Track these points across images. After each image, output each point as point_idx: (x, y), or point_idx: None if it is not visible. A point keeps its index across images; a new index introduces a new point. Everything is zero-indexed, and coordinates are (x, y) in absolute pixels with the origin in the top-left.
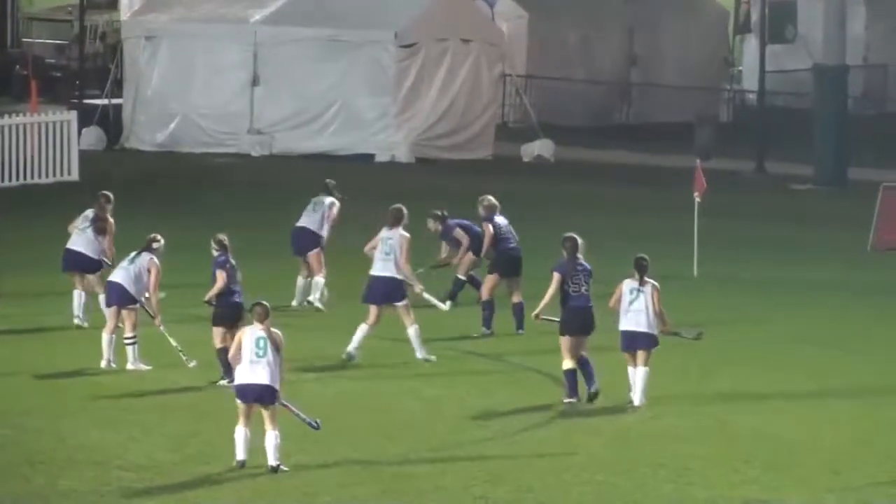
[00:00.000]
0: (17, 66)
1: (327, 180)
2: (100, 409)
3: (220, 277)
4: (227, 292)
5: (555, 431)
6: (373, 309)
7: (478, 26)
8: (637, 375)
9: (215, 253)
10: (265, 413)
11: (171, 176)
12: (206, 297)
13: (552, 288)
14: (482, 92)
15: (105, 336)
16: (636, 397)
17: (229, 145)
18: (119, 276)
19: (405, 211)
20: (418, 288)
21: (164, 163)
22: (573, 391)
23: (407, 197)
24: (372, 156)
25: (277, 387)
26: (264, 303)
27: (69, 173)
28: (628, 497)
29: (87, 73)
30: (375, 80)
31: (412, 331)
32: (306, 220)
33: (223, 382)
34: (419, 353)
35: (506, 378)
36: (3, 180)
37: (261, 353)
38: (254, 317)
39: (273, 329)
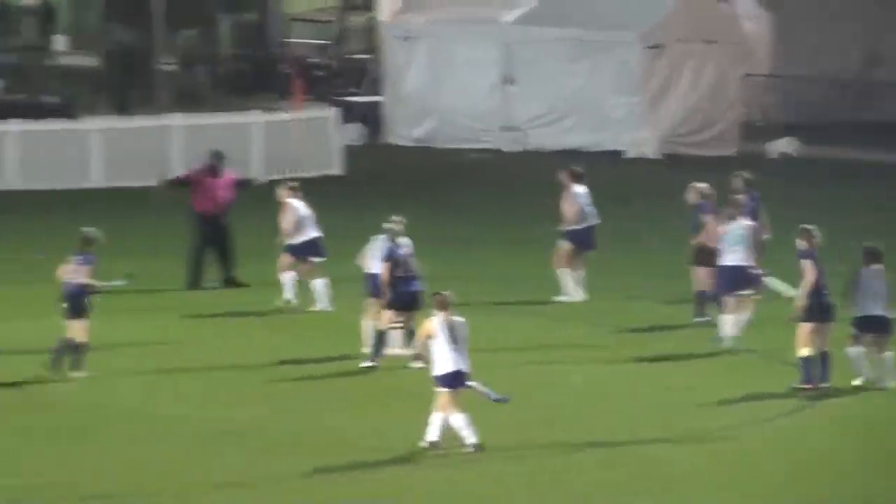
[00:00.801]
0: (281, 66)
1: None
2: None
3: None
4: (404, 280)
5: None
6: (730, 299)
7: (721, 27)
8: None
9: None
10: (453, 397)
11: (427, 170)
12: None
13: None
14: (726, 90)
15: (364, 324)
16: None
17: (483, 141)
18: (377, 266)
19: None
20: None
21: (420, 157)
22: (812, 379)
23: (657, 192)
24: (620, 152)
25: (466, 370)
26: (445, 292)
27: (332, 167)
28: None
29: (348, 71)
30: (623, 79)
31: (742, 318)
32: None
33: (367, 363)
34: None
35: (759, 368)
36: (271, 174)
37: (452, 340)
38: (435, 305)
39: (456, 317)
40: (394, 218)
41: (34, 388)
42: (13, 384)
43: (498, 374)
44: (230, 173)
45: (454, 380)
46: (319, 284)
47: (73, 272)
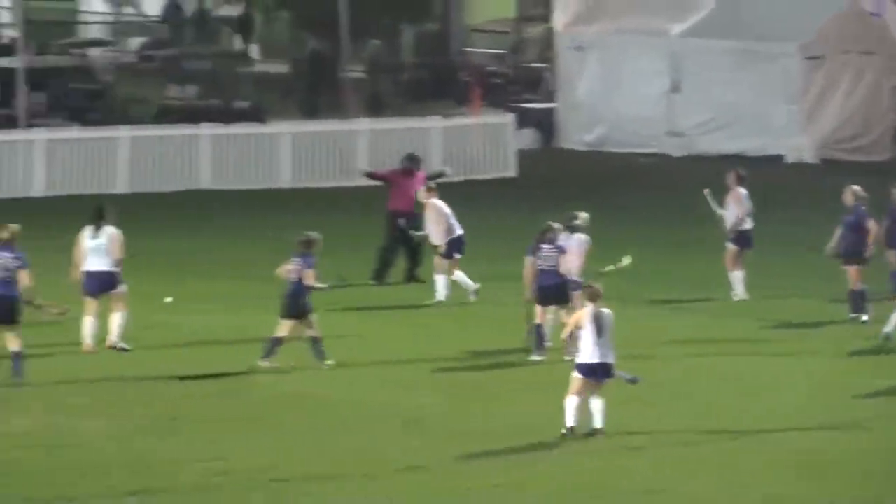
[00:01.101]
0: (461, 74)
1: None
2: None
3: None
4: (544, 274)
5: None
6: None
7: (878, 39)
8: None
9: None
10: (593, 385)
11: (598, 173)
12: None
13: None
14: (882, 100)
15: (541, 317)
16: None
17: (651, 146)
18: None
19: None
20: None
21: (591, 161)
22: None
23: (814, 195)
24: (780, 157)
25: (611, 361)
26: (595, 285)
27: (508, 170)
28: None
29: (524, 79)
30: (784, 88)
31: None
32: None
33: (535, 357)
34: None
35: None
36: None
37: (598, 332)
38: (585, 297)
39: (604, 309)
40: (579, 214)
41: (233, 378)
42: (214, 375)
43: (655, 366)
44: (422, 174)
45: (595, 371)
46: (460, 276)
47: (293, 272)
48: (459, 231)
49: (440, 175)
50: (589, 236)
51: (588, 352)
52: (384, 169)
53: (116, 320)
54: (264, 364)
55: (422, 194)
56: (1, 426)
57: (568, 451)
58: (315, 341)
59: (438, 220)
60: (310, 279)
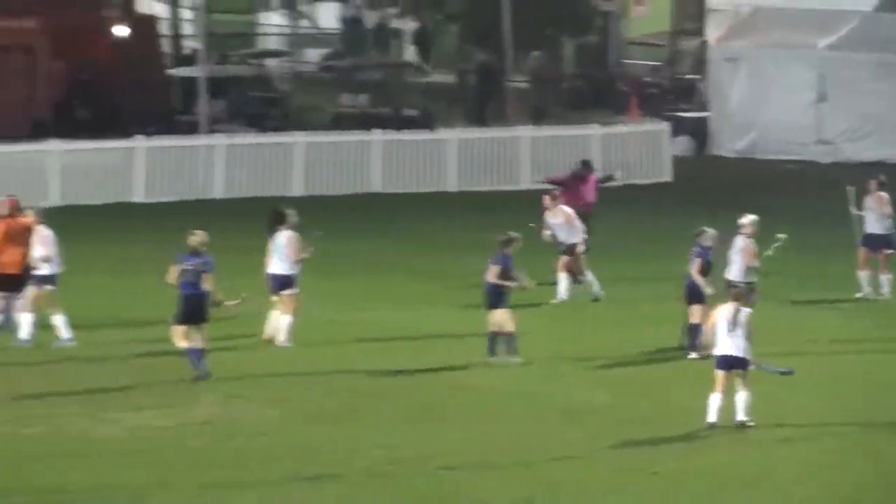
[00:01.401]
0: (618, 84)
1: None
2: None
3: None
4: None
5: None
6: None
7: None
8: None
9: None
10: (738, 377)
11: (748, 179)
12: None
13: None
14: None
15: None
16: None
17: (798, 153)
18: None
19: None
20: None
21: (741, 167)
22: None
23: None
24: None
25: (747, 356)
26: (739, 285)
27: (663, 175)
28: None
29: (678, 89)
30: None
31: None
32: None
33: (692, 355)
34: None
35: None
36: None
37: (733, 328)
38: (730, 296)
39: (743, 308)
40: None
41: (399, 372)
42: (380, 371)
43: (802, 362)
44: (594, 177)
45: (729, 363)
46: (590, 276)
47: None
48: (583, 234)
49: (610, 179)
50: (752, 238)
51: (721, 345)
52: (559, 174)
53: (282, 320)
54: (493, 360)
55: (547, 201)
56: (181, 415)
57: (722, 442)
58: (510, 337)
59: (569, 222)
60: (492, 277)
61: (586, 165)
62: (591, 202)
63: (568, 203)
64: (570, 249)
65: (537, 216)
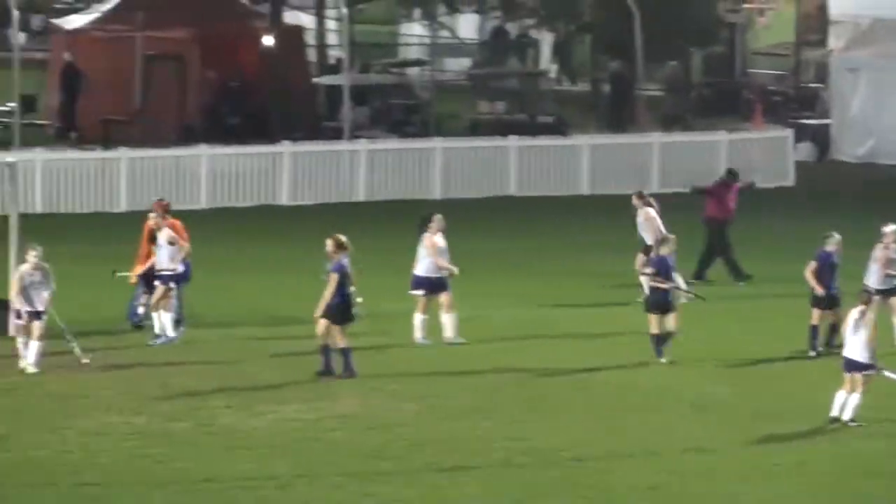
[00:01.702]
0: (744, 92)
1: None
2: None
3: None
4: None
5: None
6: None
7: None
8: None
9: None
10: (858, 379)
11: (868, 183)
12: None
13: None
14: None
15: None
16: None
17: None
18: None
19: None
20: None
21: (862, 172)
22: None
23: None
24: None
25: (865, 360)
26: (870, 289)
27: (786, 180)
28: None
29: (802, 97)
30: None
31: None
32: None
33: (811, 354)
34: None
35: None
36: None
37: (856, 331)
38: (859, 300)
39: (869, 312)
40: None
41: (535, 368)
42: (516, 367)
43: None
44: (737, 185)
45: (848, 364)
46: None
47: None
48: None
49: (751, 186)
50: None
51: (846, 347)
52: (708, 183)
53: (447, 320)
54: (663, 361)
55: (635, 200)
56: (327, 408)
57: (844, 435)
58: (668, 335)
59: (650, 225)
60: (644, 275)
61: (731, 174)
62: (732, 209)
63: (714, 211)
64: (646, 250)
65: (665, 219)
